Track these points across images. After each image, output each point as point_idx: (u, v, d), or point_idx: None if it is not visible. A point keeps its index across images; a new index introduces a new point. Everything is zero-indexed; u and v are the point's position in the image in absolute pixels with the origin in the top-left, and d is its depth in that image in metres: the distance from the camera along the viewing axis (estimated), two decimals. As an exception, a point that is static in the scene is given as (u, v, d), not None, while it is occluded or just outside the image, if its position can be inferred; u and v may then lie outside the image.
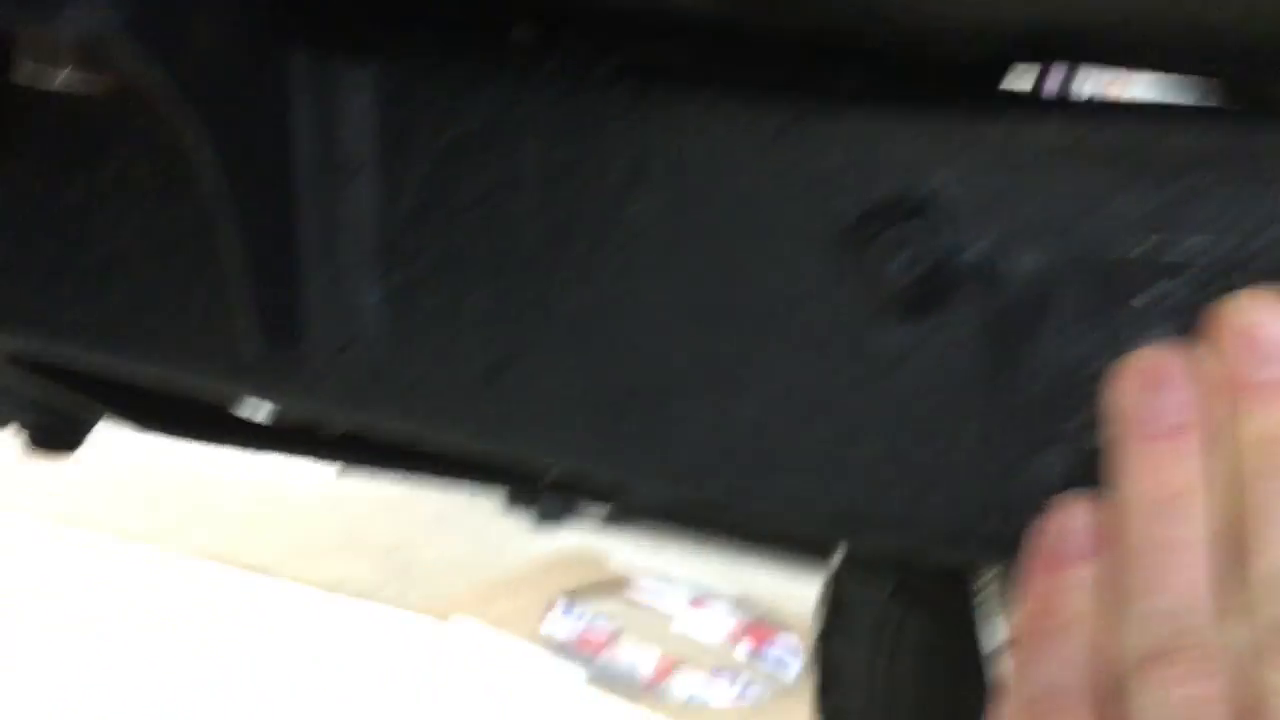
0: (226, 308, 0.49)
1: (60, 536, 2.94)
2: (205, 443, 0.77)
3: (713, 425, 0.46)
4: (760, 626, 3.12)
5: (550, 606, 3.08)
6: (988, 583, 0.89)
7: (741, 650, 2.99)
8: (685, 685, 2.76)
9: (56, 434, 0.85)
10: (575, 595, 3.19)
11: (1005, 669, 0.89)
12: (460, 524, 3.68)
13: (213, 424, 0.77)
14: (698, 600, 3.26)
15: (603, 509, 3.79)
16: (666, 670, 2.82)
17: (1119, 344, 0.40)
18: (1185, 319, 0.40)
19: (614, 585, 3.32)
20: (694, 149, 0.45)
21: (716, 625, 3.13)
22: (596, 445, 0.47)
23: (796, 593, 3.37)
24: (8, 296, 0.56)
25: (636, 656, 2.87)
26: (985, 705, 1.44)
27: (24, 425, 0.86)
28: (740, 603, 3.26)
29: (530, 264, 0.47)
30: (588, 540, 3.67)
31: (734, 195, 0.45)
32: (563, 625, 2.99)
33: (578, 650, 2.86)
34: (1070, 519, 0.40)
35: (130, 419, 0.76)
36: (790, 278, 0.45)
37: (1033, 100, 0.51)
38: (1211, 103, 0.51)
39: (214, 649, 2.47)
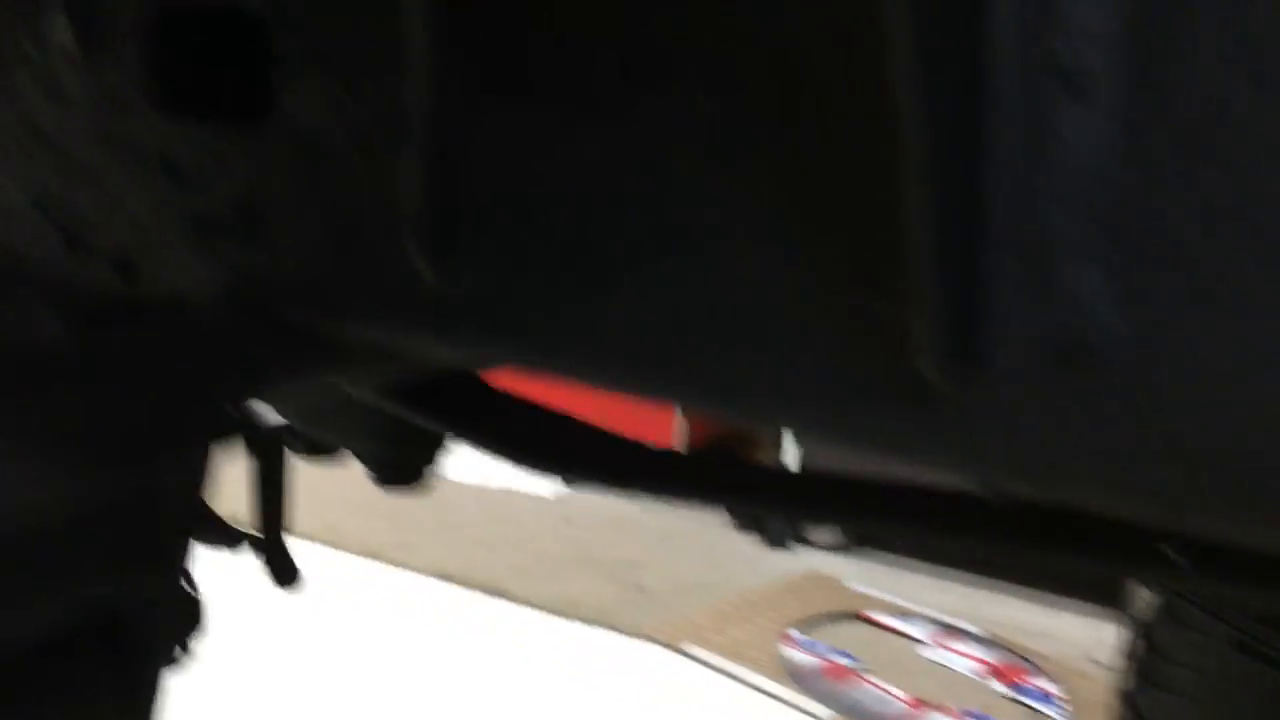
0: (872, 302, 0.32)
1: (303, 551, 2.97)
2: (605, 488, 0.64)
3: None
4: (1013, 661, 2.89)
5: (785, 635, 2.93)
6: None
7: (997, 686, 2.77)
8: (940, 723, 2.56)
9: (401, 468, 0.75)
10: (811, 623, 3.03)
11: None
12: (688, 544, 3.57)
13: (616, 465, 0.63)
14: (944, 632, 3.05)
15: (835, 533, 3.63)
16: (917, 706, 2.62)
17: None
18: None
19: (851, 614, 3.14)
20: None
21: (966, 659, 2.92)
22: None
23: (1046, 627, 3.13)
24: (472, 289, 0.38)
25: (884, 690, 2.68)
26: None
27: (364, 459, 0.77)
28: (989, 636, 3.03)
29: None
30: (821, 564, 3.51)
31: None
32: (801, 656, 2.83)
33: (818, 683, 2.70)
34: None
35: (504, 454, 0.65)
36: None
37: None
38: None
39: (449, 668, 2.42)
